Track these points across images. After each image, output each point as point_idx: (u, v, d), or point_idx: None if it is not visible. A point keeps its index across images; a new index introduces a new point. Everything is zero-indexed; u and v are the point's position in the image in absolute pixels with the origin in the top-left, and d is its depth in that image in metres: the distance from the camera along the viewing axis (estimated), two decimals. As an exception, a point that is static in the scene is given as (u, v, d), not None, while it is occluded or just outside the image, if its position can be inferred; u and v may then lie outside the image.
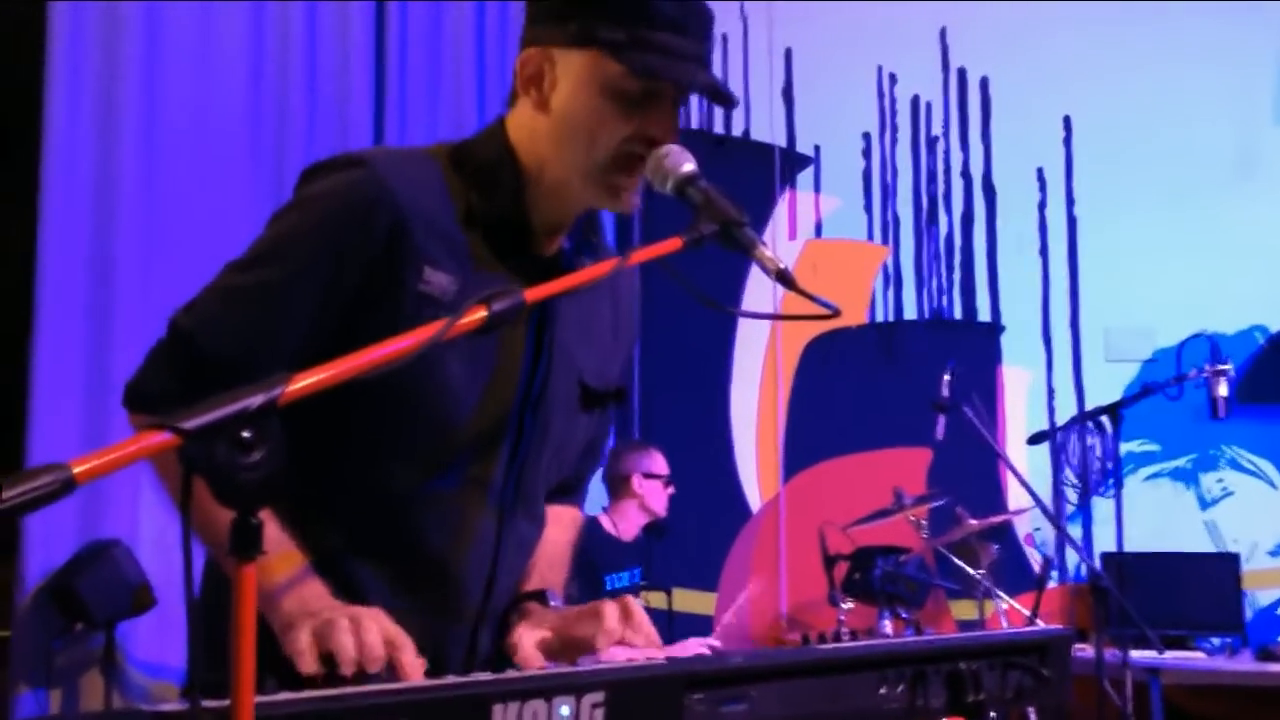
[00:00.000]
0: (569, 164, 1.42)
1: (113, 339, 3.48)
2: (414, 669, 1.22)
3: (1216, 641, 4.71)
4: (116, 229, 3.54)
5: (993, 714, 4.09)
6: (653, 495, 4.37)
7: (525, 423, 1.48)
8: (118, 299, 3.51)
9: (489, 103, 4.71)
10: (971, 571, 4.25)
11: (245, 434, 0.85)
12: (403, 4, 4.60)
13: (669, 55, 1.36)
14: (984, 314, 5.32)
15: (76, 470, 0.77)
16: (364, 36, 4.34)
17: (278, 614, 1.26)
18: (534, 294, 1.13)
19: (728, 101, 1.44)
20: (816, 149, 5.55)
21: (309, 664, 1.20)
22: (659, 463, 4.40)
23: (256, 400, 0.87)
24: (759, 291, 5.24)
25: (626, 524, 4.39)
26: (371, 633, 1.21)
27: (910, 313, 5.39)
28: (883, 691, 1.31)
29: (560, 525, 1.69)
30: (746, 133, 5.59)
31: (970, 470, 4.95)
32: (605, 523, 4.42)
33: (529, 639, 1.47)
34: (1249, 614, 4.83)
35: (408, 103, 4.56)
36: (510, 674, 1.19)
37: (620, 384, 1.64)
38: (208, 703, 0.86)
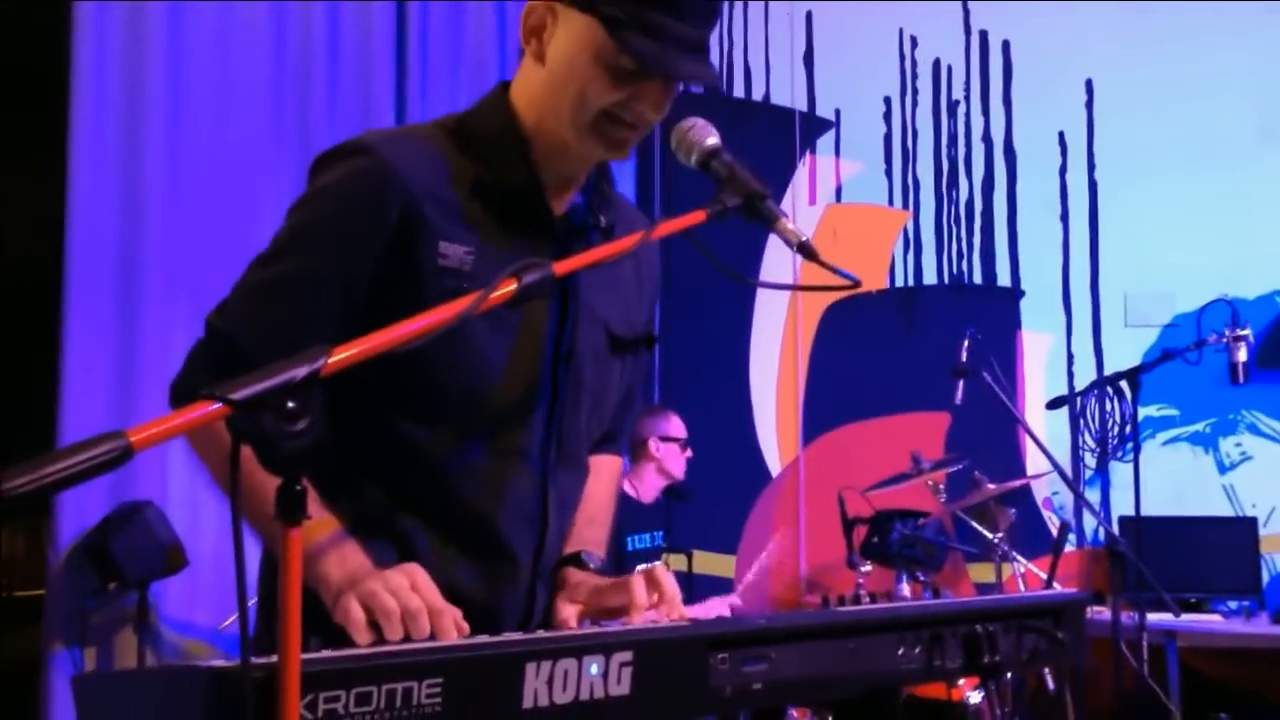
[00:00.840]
0: (562, 117, 1.44)
1: (140, 326, 3.52)
2: (452, 633, 1.25)
3: (1233, 605, 4.73)
4: (143, 219, 3.57)
5: (1008, 675, 4.15)
6: (670, 458, 4.40)
7: (560, 379, 1.52)
8: (145, 289, 3.55)
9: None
10: (989, 535, 4.28)
11: (290, 404, 0.89)
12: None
13: (663, 38, 1.37)
14: (1004, 279, 5.32)
15: (134, 439, 0.81)
16: (385, 25, 4.35)
17: (325, 583, 1.30)
18: (562, 267, 1.16)
19: (716, 84, 1.47)
20: (837, 113, 5.54)
21: (364, 635, 1.23)
22: (676, 426, 4.42)
23: (301, 372, 0.90)
24: (779, 259, 5.25)
25: (645, 487, 4.43)
26: (414, 599, 1.25)
27: (930, 278, 5.39)
28: (900, 653, 1.35)
29: (600, 476, 1.72)
30: (767, 97, 5.58)
31: (989, 435, 4.97)
32: (625, 486, 4.47)
33: (565, 613, 1.52)
34: (1266, 578, 4.85)
35: (428, 90, 4.58)
36: (542, 634, 1.23)
37: (648, 330, 1.68)
38: (257, 659, 0.90)
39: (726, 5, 5.17)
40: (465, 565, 1.47)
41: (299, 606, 0.91)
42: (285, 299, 1.41)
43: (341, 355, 0.95)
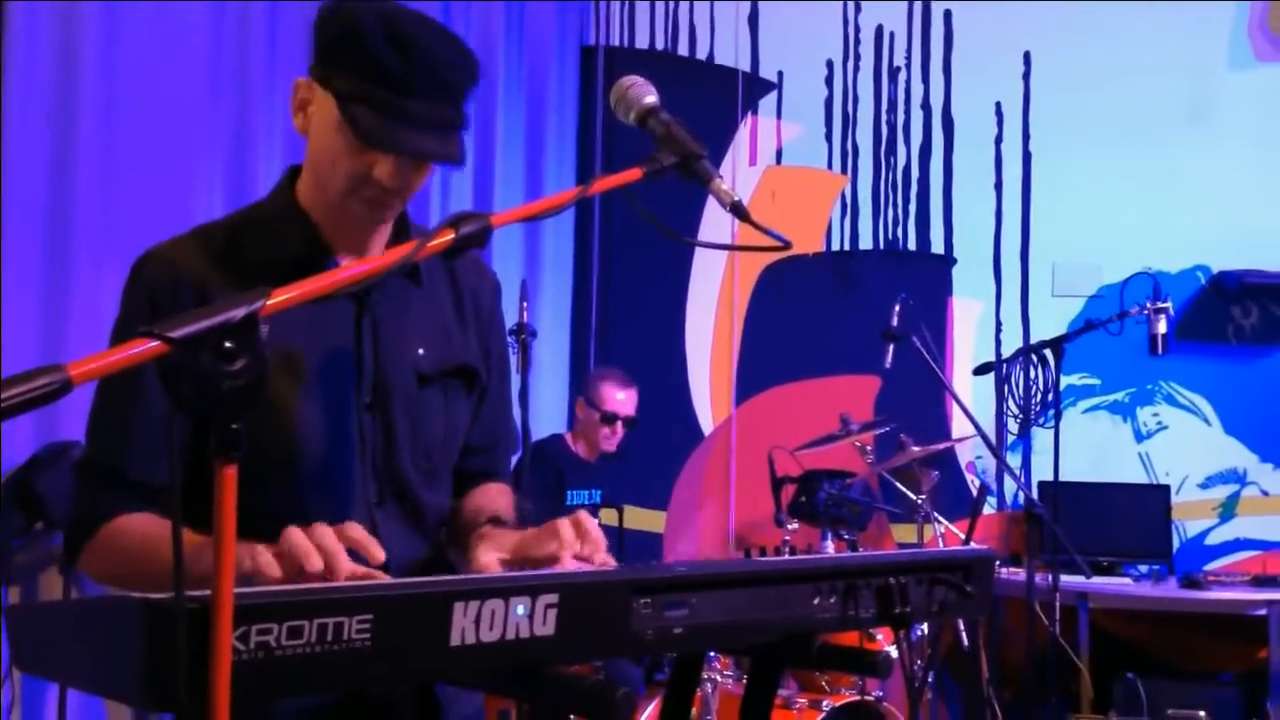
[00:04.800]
0: (324, 186, 1.55)
1: (72, 277, 3.45)
2: (369, 574, 1.28)
3: (1144, 569, 4.89)
4: (75, 168, 3.48)
5: (923, 629, 4.26)
6: (592, 425, 4.38)
7: (365, 425, 1.59)
8: (75, 237, 3.46)
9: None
10: (913, 496, 4.37)
11: (228, 344, 0.91)
12: None
13: (391, 114, 1.45)
14: (938, 245, 5.41)
15: (73, 372, 0.82)
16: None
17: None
18: (500, 219, 1.19)
19: (455, 163, 1.53)
20: (780, 75, 5.56)
21: (275, 569, 1.27)
22: (607, 395, 4.37)
23: (239, 312, 0.92)
24: (718, 219, 5.29)
25: (583, 445, 4.46)
26: (328, 537, 1.29)
27: (866, 242, 5.46)
28: (816, 602, 1.40)
29: (491, 496, 1.77)
30: (711, 56, 5.59)
31: (917, 399, 5.07)
32: (568, 440, 4.50)
33: (490, 558, 1.55)
34: (1177, 544, 5.02)
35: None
36: (471, 575, 1.26)
37: (474, 365, 1.71)
38: (190, 592, 0.92)
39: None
40: None
41: (233, 542, 0.93)
42: (117, 400, 1.53)
43: (280, 298, 0.97)
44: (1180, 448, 5.12)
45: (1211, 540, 5.11)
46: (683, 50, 5.60)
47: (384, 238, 1.65)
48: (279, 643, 0.97)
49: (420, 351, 1.64)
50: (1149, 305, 4.28)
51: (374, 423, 1.59)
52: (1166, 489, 4.99)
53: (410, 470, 1.63)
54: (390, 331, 1.61)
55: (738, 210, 1.34)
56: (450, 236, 1.14)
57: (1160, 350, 4.29)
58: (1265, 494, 5.08)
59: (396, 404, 1.61)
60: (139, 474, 1.51)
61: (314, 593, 1.02)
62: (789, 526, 4.33)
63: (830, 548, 4.33)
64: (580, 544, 1.49)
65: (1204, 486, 5.11)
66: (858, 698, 3.71)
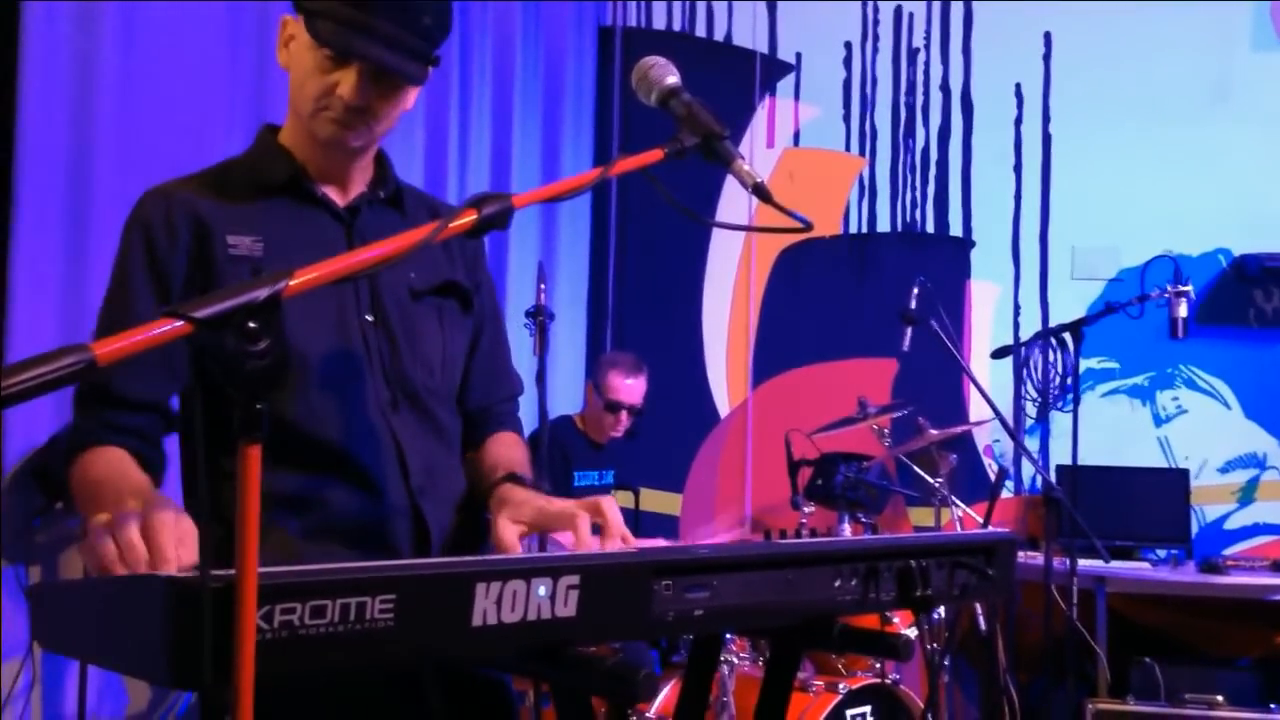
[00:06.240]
0: (299, 110, 1.65)
1: (89, 247, 3.46)
2: (171, 565, 1.23)
3: (1162, 553, 4.87)
4: (94, 131, 3.48)
5: (941, 614, 4.26)
6: (598, 412, 4.36)
7: (368, 334, 1.66)
8: (92, 241, 3.46)
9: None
10: (930, 480, 4.36)
11: (251, 324, 0.91)
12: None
13: (352, 27, 1.54)
14: (956, 228, 5.38)
15: (98, 352, 0.83)
16: None
17: (92, 505, 1.40)
18: (521, 200, 1.18)
19: (408, 80, 1.61)
20: (798, 56, 5.54)
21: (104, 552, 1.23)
22: (613, 385, 4.34)
23: (262, 293, 0.92)
24: (735, 200, 5.28)
25: (594, 429, 4.46)
26: (133, 533, 1.23)
27: (884, 225, 5.44)
28: (837, 584, 1.39)
29: (506, 446, 1.81)
30: (729, 38, 5.57)
31: (934, 381, 5.05)
32: (578, 422, 4.50)
33: (509, 530, 1.56)
34: (1196, 528, 5.00)
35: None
36: (493, 556, 1.26)
37: (461, 282, 1.78)
38: (215, 572, 0.92)
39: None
40: (339, 494, 1.59)
41: (257, 520, 0.93)
42: (117, 319, 1.60)
43: (304, 277, 0.97)
44: (1200, 432, 5.10)
45: (1231, 525, 5.08)
46: (700, 32, 5.58)
47: (365, 174, 1.73)
48: (302, 622, 0.98)
49: (410, 273, 1.72)
50: (1169, 288, 4.25)
51: (377, 332, 1.67)
52: (1186, 473, 4.97)
53: (416, 376, 1.69)
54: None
55: (760, 191, 1.33)
56: (473, 216, 1.14)
57: (1181, 334, 4.27)
58: (1285, 479, 5.05)
59: (393, 318, 1.68)
60: (121, 389, 1.57)
61: (338, 572, 1.02)
62: (806, 509, 4.32)
63: (847, 531, 4.33)
64: (602, 532, 1.51)
65: (1223, 471, 5.08)
66: (875, 681, 3.71)
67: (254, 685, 0.93)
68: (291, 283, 0.94)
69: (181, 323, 0.88)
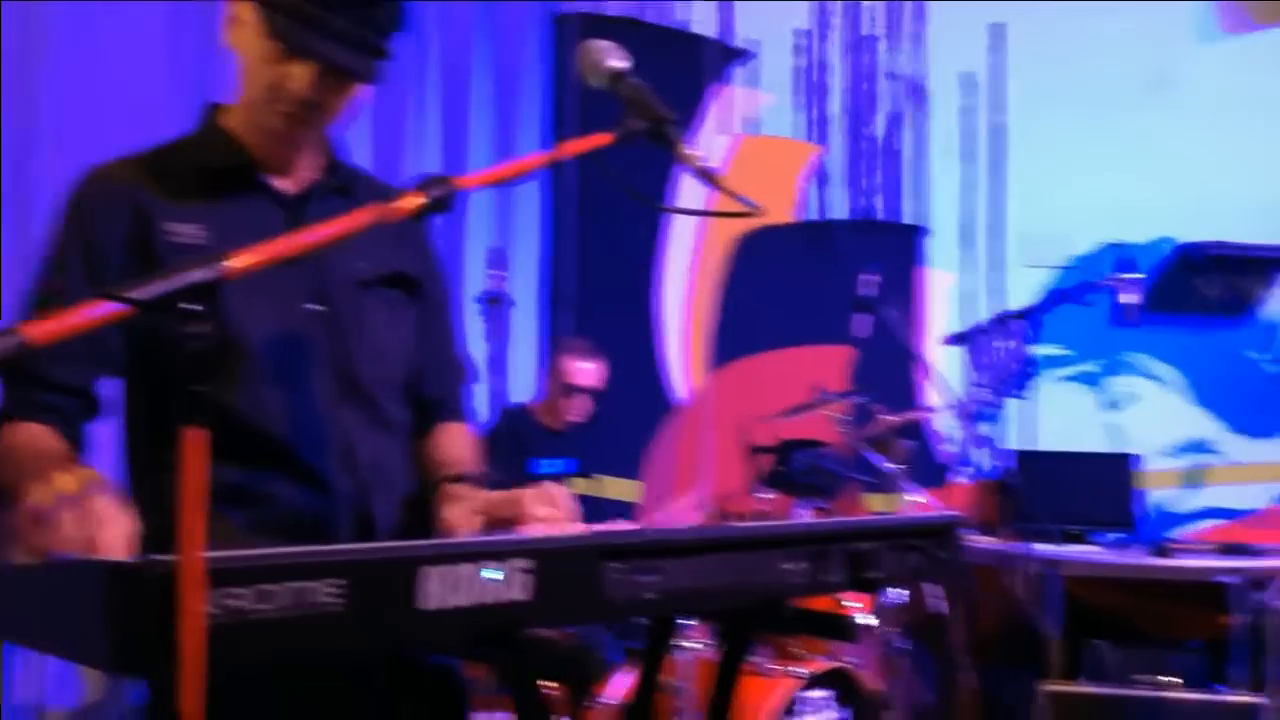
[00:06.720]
0: (248, 98, 1.61)
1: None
2: (109, 549, 1.21)
3: (1113, 537, 4.93)
4: (33, 172, 3.42)
5: (896, 597, 4.27)
6: (558, 397, 4.34)
7: (312, 324, 1.63)
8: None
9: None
10: (886, 466, 4.40)
11: (191, 307, 0.90)
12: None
13: (307, 23, 1.51)
14: (909, 216, 5.42)
15: (28, 334, 0.81)
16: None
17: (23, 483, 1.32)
18: (466, 182, 1.18)
19: (363, 79, 1.58)
20: (752, 44, 5.54)
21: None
22: (570, 369, 4.34)
23: (202, 275, 0.91)
24: (693, 186, 5.27)
25: (552, 417, 4.45)
26: (70, 514, 1.20)
27: (838, 212, 5.46)
28: (786, 567, 1.41)
29: (455, 439, 1.80)
30: (685, 25, 5.57)
31: (890, 368, 5.08)
32: (536, 410, 4.49)
33: (454, 517, 1.56)
34: (1145, 512, 5.07)
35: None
36: (441, 540, 1.26)
37: (410, 273, 1.76)
38: (158, 556, 0.92)
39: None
40: (284, 488, 1.57)
41: (202, 505, 0.93)
42: (48, 300, 1.57)
43: (246, 260, 0.96)
44: (1149, 418, 5.17)
45: (1179, 509, 5.16)
46: (655, 18, 5.57)
47: (314, 161, 1.69)
48: (250, 607, 0.97)
49: (358, 263, 1.68)
50: (1119, 276, 4.31)
51: (321, 324, 1.63)
52: (1136, 458, 5.03)
53: (365, 372, 1.66)
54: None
55: (707, 176, 1.33)
56: (417, 199, 1.13)
57: (1130, 321, 4.33)
58: (1231, 463, 5.14)
59: (340, 308, 1.65)
60: (43, 371, 1.54)
61: (286, 556, 1.02)
62: (763, 496, 4.34)
63: (805, 516, 4.35)
64: (548, 511, 1.51)
65: (1171, 456, 5.16)
66: (834, 665, 3.73)
67: (202, 672, 0.92)
68: (232, 265, 0.93)
69: (119, 305, 0.87)
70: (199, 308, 0.91)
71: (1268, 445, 5.13)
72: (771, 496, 4.36)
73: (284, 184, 1.68)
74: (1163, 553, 4.60)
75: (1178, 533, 5.09)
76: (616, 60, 1.42)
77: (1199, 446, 5.16)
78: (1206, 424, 5.16)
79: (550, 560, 1.18)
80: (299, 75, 1.54)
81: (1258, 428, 5.14)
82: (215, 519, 1.47)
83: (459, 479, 1.66)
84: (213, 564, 0.94)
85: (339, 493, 1.61)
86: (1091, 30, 5.19)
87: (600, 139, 1.30)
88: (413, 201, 1.13)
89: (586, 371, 4.37)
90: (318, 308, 1.64)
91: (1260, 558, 4.62)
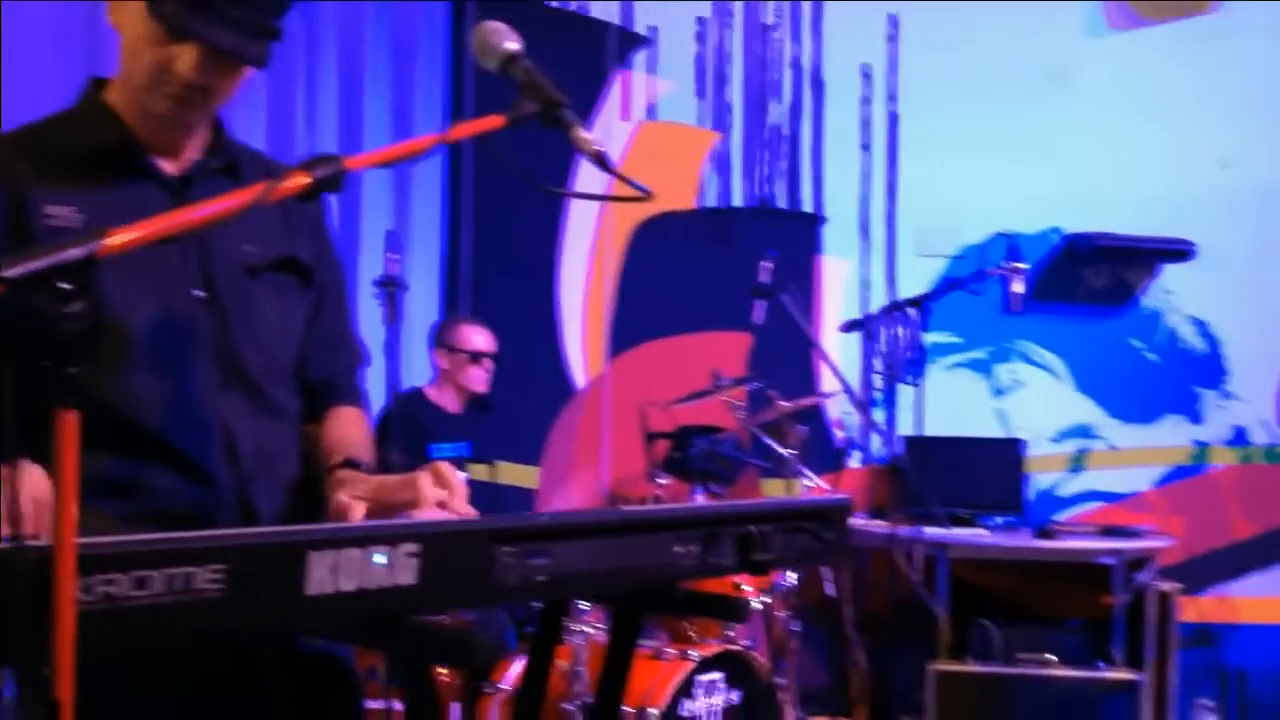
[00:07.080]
0: (131, 79, 1.57)
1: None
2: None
3: (1000, 520, 5.07)
4: None
5: (789, 580, 4.34)
6: (460, 370, 4.38)
7: (195, 311, 1.59)
8: None
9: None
10: (782, 451, 4.45)
11: (65, 285, 0.88)
12: None
13: (191, 6, 1.47)
14: (808, 204, 5.48)
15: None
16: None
17: None
18: (355, 162, 1.16)
19: (250, 62, 1.55)
20: (652, 30, 5.55)
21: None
22: (464, 337, 4.37)
23: (76, 253, 0.89)
24: (594, 170, 5.26)
25: (447, 397, 4.42)
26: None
27: (738, 199, 5.51)
28: (677, 549, 1.42)
29: (346, 424, 1.77)
30: (584, 8, 5.55)
31: (787, 355, 5.14)
32: (431, 394, 4.45)
33: (344, 501, 1.54)
34: (1030, 495, 5.22)
35: None
36: (327, 525, 1.24)
37: (300, 258, 1.73)
38: (31, 542, 0.89)
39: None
40: (161, 479, 1.53)
41: (75, 491, 0.90)
42: None
43: (120, 239, 0.93)
44: (1035, 404, 5.31)
45: (1063, 492, 5.32)
46: (557, 2, 5.54)
47: (199, 142, 1.65)
48: (124, 593, 0.95)
49: (247, 247, 1.65)
50: (1007, 266, 4.42)
51: (205, 311, 1.60)
52: (1022, 443, 5.17)
53: (251, 360, 1.63)
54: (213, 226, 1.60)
55: (600, 160, 1.34)
56: (305, 179, 1.11)
57: (1017, 309, 4.44)
58: (1113, 448, 5.31)
59: (226, 295, 1.62)
60: None
61: (164, 542, 1.00)
62: (661, 481, 4.37)
63: (701, 501, 4.39)
64: (443, 495, 1.49)
65: (1056, 441, 5.31)
66: (726, 647, 3.78)
67: (77, 660, 0.90)
68: (110, 242, 0.91)
69: (-11, 283, 0.84)
70: (73, 286, 0.89)
71: (1148, 431, 5.31)
72: (669, 482, 4.40)
73: (170, 166, 1.64)
74: (1047, 535, 4.73)
75: (1061, 516, 5.24)
76: (509, 42, 1.42)
77: (1083, 431, 5.32)
78: (1090, 410, 5.32)
79: (439, 544, 1.17)
80: (184, 58, 1.51)
81: (1139, 414, 5.31)
82: (90, 510, 1.44)
83: (350, 464, 1.64)
84: (87, 550, 0.91)
85: (221, 484, 1.57)
86: (983, 24, 5.30)
87: (493, 121, 1.30)
88: (299, 181, 1.11)
89: (484, 335, 4.39)
90: (202, 294, 1.59)
91: (1139, 540, 4.79)
